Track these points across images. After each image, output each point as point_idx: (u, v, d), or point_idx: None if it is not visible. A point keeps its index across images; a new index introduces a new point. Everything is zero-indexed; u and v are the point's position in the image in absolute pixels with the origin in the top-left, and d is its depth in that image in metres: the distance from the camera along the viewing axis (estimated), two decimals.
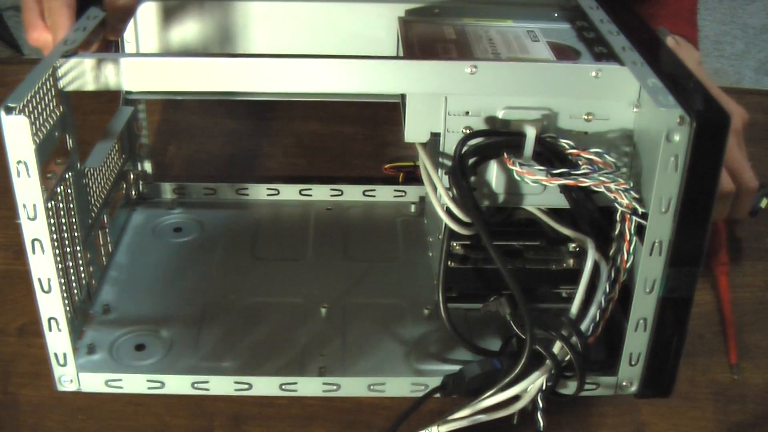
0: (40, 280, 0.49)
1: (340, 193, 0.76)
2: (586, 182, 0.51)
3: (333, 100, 0.76)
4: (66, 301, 0.52)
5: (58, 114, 0.52)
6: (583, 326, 0.51)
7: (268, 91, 0.52)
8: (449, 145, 0.54)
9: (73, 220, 0.55)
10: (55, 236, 0.51)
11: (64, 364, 0.52)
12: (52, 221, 0.51)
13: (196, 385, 0.53)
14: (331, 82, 0.51)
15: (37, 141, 0.47)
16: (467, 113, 0.53)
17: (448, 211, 0.54)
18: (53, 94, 0.51)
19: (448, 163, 0.54)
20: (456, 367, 0.55)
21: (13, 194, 0.47)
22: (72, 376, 0.53)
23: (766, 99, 0.95)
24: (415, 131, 0.56)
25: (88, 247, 0.59)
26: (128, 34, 0.67)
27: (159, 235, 0.70)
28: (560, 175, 0.51)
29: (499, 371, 0.50)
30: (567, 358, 0.51)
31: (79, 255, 0.56)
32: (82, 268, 0.57)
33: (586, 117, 0.53)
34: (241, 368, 0.55)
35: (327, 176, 0.78)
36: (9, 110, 0.44)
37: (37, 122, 0.48)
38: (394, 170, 0.79)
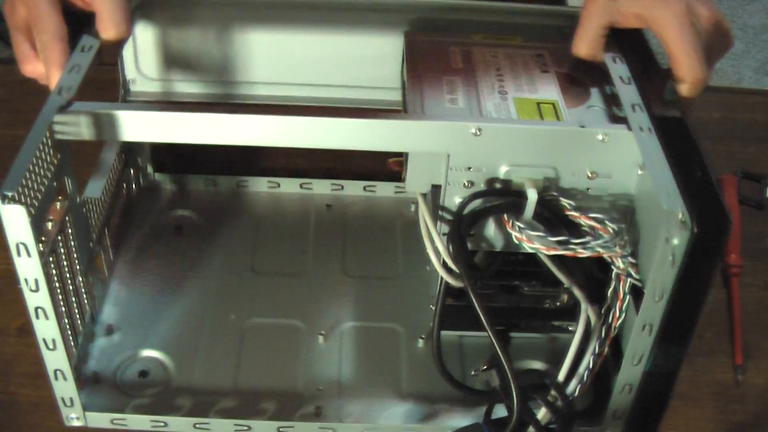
0: (45, 340, 0.50)
1: (340, 187, 0.75)
2: (584, 253, 0.51)
3: None
4: (72, 350, 0.53)
5: (56, 162, 0.51)
6: (569, 389, 0.53)
7: (270, 145, 0.51)
8: (450, 198, 0.54)
9: (75, 257, 0.56)
10: (59, 292, 0.51)
11: (71, 406, 0.54)
12: (54, 271, 0.51)
13: (197, 425, 0.56)
14: (332, 140, 0.51)
15: (33, 210, 0.47)
16: (469, 168, 0.53)
17: (444, 264, 0.55)
18: (50, 145, 0.50)
19: (448, 216, 0.54)
20: (448, 406, 0.57)
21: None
22: (79, 414, 0.55)
23: (766, 99, 0.92)
24: (416, 183, 0.56)
25: (91, 273, 0.60)
26: (126, 51, 0.65)
27: (159, 236, 0.70)
28: (559, 244, 0.51)
29: None
30: (553, 421, 0.53)
31: (82, 288, 0.57)
32: (85, 297, 0.58)
33: (589, 175, 0.53)
34: (241, 404, 0.57)
35: (327, 173, 0.77)
36: (5, 198, 0.44)
37: (33, 189, 0.47)
38: (398, 164, 0.78)
